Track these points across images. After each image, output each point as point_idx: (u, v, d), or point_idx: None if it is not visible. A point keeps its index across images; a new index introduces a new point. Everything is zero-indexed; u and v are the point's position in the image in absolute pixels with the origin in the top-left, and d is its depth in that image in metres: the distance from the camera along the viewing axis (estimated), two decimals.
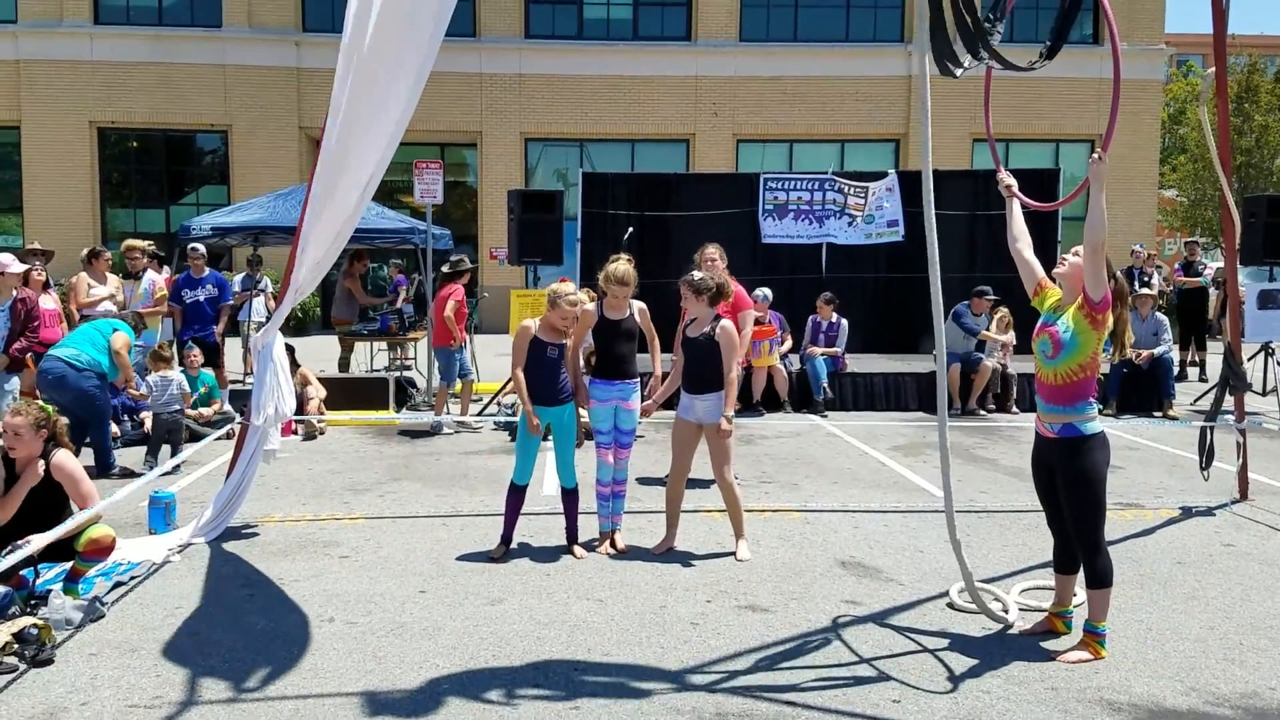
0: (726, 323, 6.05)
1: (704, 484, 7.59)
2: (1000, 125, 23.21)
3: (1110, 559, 4.49)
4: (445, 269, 10.82)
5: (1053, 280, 4.68)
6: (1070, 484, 4.45)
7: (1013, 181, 4.95)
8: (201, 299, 11.08)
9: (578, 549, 6.11)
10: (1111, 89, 4.35)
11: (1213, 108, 7.05)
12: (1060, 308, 4.54)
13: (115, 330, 8.35)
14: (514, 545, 6.16)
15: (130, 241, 11.20)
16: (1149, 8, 24.41)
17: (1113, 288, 4.44)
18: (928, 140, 4.93)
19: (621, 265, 6.23)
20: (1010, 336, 11.97)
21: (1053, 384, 4.48)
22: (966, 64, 4.61)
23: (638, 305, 6.37)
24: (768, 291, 11.82)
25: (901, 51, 24.20)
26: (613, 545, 6.19)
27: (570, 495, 6.22)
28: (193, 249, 11.37)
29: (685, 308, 6.15)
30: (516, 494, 6.08)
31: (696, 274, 6.14)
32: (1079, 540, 4.47)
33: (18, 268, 8.48)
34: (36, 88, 23.25)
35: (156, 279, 11.01)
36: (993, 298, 12.07)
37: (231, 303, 12.07)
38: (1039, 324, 4.60)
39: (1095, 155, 4.31)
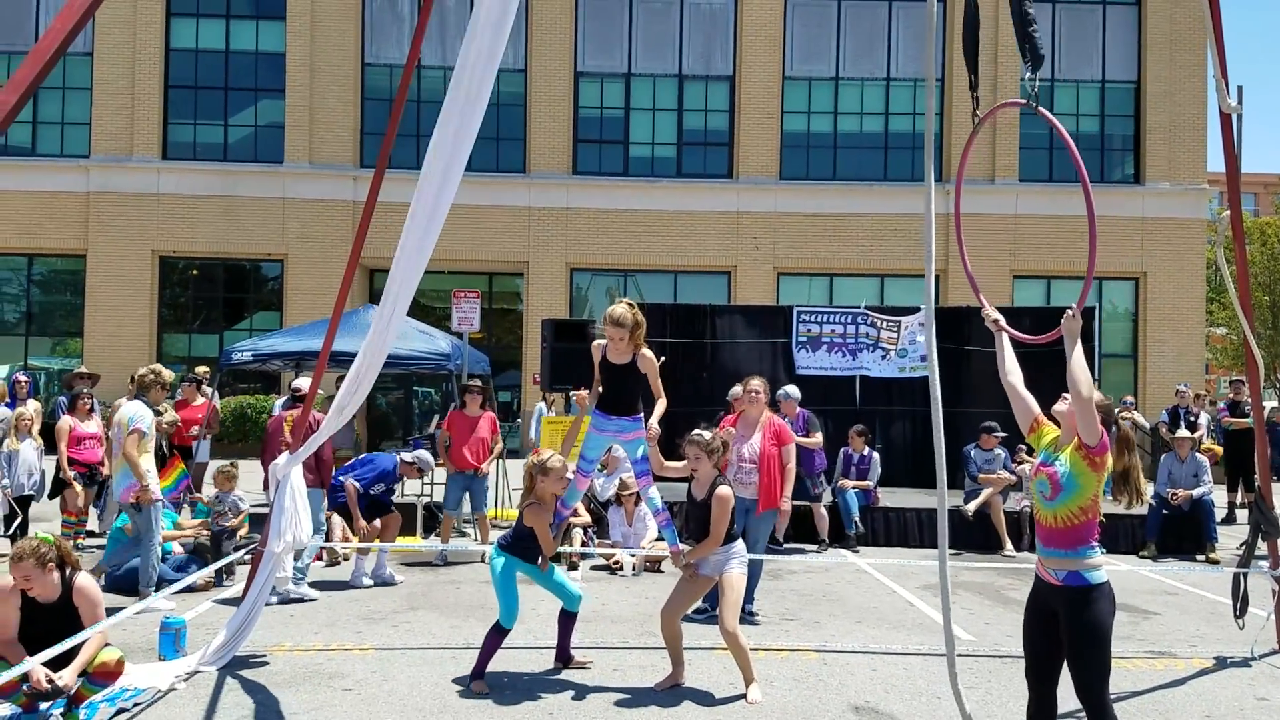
0: (723, 489, 6.01)
1: None
2: (1042, 263, 23.24)
3: (1116, 717, 4.29)
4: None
5: (1050, 418, 4.61)
6: (1077, 639, 4.27)
7: (999, 316, 5.00)
8: None
9: (575, 661, 6.39)
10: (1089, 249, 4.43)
11: (1232, 248, 7.05)
12: (1059, 446, 4.44)
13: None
14: (524, 677, 6.14)
15: None
16: (1190, 147, 24.60)
17: (1117, 435, 4.37)
18: (931, 280, 4.99)
19: (619, 307, 6.18)
20: (1008, 475, 11.77)
21: (1052, 526, 4.36)
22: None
23: (645, 354, 6.24)
24: (792, 390, 10.92)
25: (939, 190, 24.53)
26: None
27: (568, 618, 6.37)
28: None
29: (690, 464, 6.11)
30: (500, 634, 6.08)
31: (706, 434, 6.07)
32: (1083, 697, 4.28)
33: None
34: (104, 219, 24.32)
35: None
36: (1001, 434, 11.83)
37: None
38: (1037, 464, 4.50)
39: (1069, 312, 4.39)
